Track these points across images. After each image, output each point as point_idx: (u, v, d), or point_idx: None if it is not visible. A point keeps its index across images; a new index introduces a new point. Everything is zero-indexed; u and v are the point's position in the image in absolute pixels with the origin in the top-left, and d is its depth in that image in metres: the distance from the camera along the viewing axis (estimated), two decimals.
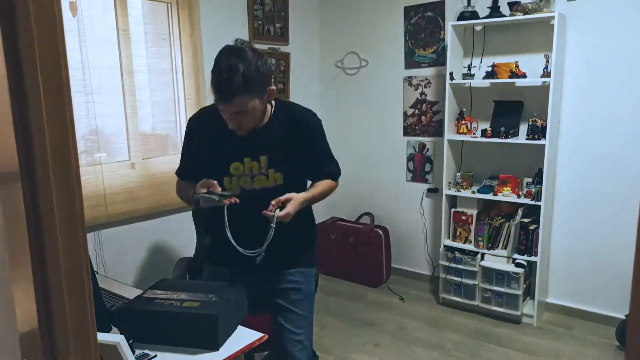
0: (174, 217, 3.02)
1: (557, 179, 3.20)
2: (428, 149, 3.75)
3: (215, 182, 1.58)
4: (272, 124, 1.70)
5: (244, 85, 1.49)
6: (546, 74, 2.97)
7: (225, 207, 1.58)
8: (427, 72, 3.65)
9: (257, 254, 1.63)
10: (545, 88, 3.02)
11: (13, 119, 0.60)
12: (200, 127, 1.76)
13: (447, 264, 3.42)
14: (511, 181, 3.23)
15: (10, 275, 0.61)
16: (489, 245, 3.30)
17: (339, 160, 1.91)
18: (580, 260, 3.19)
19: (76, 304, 0.72)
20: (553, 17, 2.86)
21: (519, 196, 3.18)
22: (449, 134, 3.38)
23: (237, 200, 1.58)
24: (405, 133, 3.83)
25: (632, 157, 2.92)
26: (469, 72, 3.33)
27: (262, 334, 1.57)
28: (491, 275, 3.24)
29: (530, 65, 3.11)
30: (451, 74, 3.28)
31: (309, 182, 1.85)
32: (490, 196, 3.26)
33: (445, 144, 3.38)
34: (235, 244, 1.63)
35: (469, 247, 3.36)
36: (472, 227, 3.36)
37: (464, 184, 3.40)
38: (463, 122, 3.35)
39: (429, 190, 3.78)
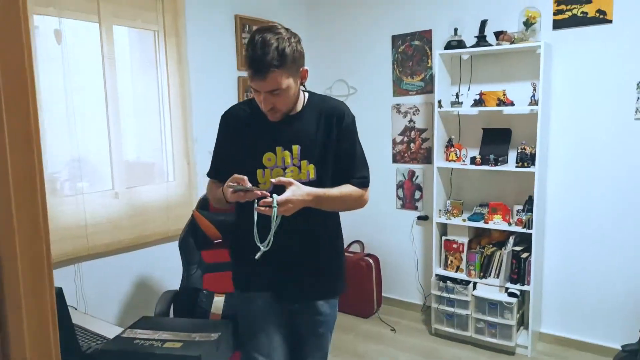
0: (158, 248, 2.93)
1: (548, 206, 3.18)
2: (417, 176, 3.73)
3: (245, 177, 1.45)
4: (305, 113, 1.61)
5: (278, 59, 1.41)
6: (534, 102, 2.98)
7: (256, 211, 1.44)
8: (416, 99, 3.66)
9: (265, 245, 1.47)
10: (533, 116, 3.03)
11: None
12: (234, 119, 1.68)
13: (439, 293, 3.35)
14: (501, 209, 3.20)
15: None
16: (481, 274, 3.25)
17: None
18: (574, 289, 3.15)
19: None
20: (539, 47, 2.88)
21: (510, 224, 3.15)
22: (439, 161, 3.36)
23: (267, 194, 1.43)
24: (395, 160, 3.81)
25: (623, 184, 2.92)
26: (457, 100, 3.33)
27: None
28: (484, 305, 3.18)
29: (518, 93, 3.13)
30: (439, 101, 3.28)
31: None
32: (481, 224, 3.23)
33: (435, 171, 3.35)
34: (258, 242, 1.47)
35: (461, 275, 3.30)
36: (464, 256, 3.31)
37: (454, 211, 3.37)
38: (452, 149, 3.34)
39: (419, 217, 3.74)
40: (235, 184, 1.43)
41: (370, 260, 3.77)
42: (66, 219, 2.50)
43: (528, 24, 2.97)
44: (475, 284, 3.25)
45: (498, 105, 3.13)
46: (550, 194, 3.17)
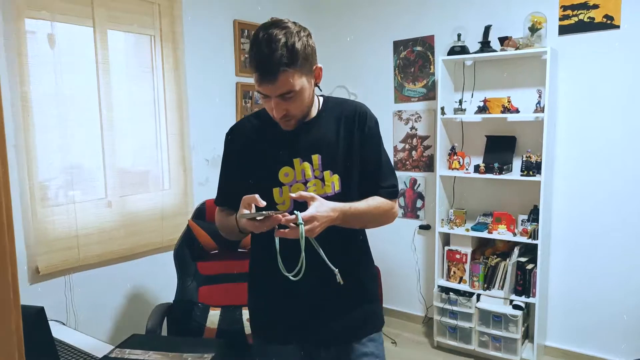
0: (152, 259, 2.84)
1: (553, 216, 3.10)
2: (419, 184, 3.65)
3: (256, 195, 1.24)
4: (322, 117, 1.41)
5: (288, 57, 1.22)
6: (539, 109, 2.91)
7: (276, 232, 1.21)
8: (418, 106, 3.59)
9: (294, 274, 1.24)
10: (538, 123, 2.96)
11: None
12: (240, 135, 1.47)
13: (441, 305, 3.26)
14: (506, 218, 3.12)
15: None
16: (485, 285, 3.16)
17: None
18: (580, 302, 3.06)
19: None
20: (545, 52, 2.81)
21: (514, 234, 3.06)
22: (441, 169, 3.28)
23: (289, 216, 1.20)
24: (396, 168, 3.73)
25: (631, 194, 2.84)
26: (460, 106, 3.26)
27: None
28: (488, 317, 3.09)
29: (523, 100, 3.06)
30: (442, 108, 3.20)
31: None
32: (485, 234, 3.15)
33: (438, 179, 3.27)
34: (285, 271, 1.24)
35: (464, 287, 3.21)
36: (467, 266, 3.23)
37: (457, 220, 3.28)
38: (455, 157, 3.26)
39: (420, 227, 3.65)
40: (248, 212, 1.21)
41: None
42: (56, 229, 2.41)
43: (534, 29, 2.90)
44: (478, 295, 3.17)
45: (502, 112, 3.06)
46: (556, 203, 3.08)
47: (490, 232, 3.13)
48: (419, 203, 3.66)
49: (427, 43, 3.47)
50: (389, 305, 3.81)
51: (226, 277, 2.55)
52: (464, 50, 3.15)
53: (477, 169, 3.14)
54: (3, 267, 0.56)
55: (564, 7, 2.90)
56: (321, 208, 1.22)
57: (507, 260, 3.09)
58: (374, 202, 1.37)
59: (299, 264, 1.21)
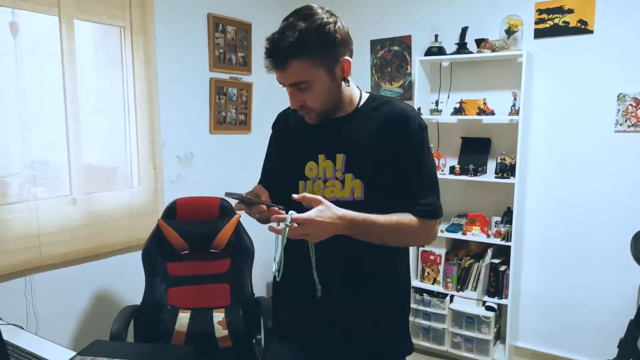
0: (119, 259, 2.73)
1: (526, 218, 3.12)
2: None
3: (266, 192, 1.24)
4: (358, 116, 1.29)
5: (300, 45, 1.14)
6: (514, 111, 2.93)
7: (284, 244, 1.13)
8: None
9: (275, 273, 1.17)
10: (513, 126, 2.97)
11: None
12: (279, 124, 1.45)
13: (415, 306, 3.25)
14: (480, 220, 3.14)
15: None
16: (458, 286, 3.17)
17: None
18: (551, 303, 3.09)
19: None
20: (521, 55, 2.83)
21: (488, 236, 3.08)
22: None
23: (276, 207, 1.17)
24: None
25: (602, 197, 2.88)
26: (436, 107, 3.25)
27: None
28: (461, 318, 3.09)
29: (498, 102, 3.07)
30: (419, 109, 3.19)
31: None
32: (459, 235, 3.15)
33: None
34: (275, 270, 1.17)
35: (438, 288, 3.21)
36: (441, 268, 3.23)
37: None
38: None
39: None
40: (232, 192, 1.16)
41: None
42: (16, 227, 2.29)
43: (510, 32, 2.91)
44: (452, 297, 3.17)
45: (478, 114, 3.06)
46: (529, 205, 3.11)
47: (464, 234, 3.13)
48: None
49: (404, 43, 3.45)
50: None
51: (197, 279, 2.47)
52: (440, 51, 3.15)
53: (452, 170, 3.14)
54: None
55: (540, 11, 2.93)
56: (324, 213, 1.11)
57: (481, 261, 3.10)
58: (399, 217, 1.21)
59: (276, 264, 1.14)
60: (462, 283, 3.16)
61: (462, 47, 3.09)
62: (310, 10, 1.19)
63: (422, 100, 3.24)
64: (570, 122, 2.94)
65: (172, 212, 2.51)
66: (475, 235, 3.10)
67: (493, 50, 2.96)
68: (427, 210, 1.23)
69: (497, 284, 3.04)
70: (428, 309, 3.20)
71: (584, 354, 2.98)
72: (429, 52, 3.18)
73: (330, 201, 1.17)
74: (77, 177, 2.57)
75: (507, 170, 2.97)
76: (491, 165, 3.13)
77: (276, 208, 1.16)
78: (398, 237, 1.23)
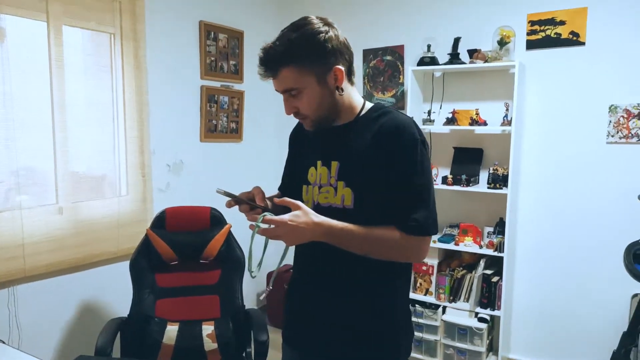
0: (106, 269, 2.67)
1: (519, 229, 3.11)
2: None
3: (262, 191, 1.27)
4: (358, 124, 1.29)
5: (289, 53, 1.18)
6: (506, 122, 2.92)
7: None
8: None
9: (250, 270, 1.25)
10: (505, 136, 2.97)
11: None
12: (294, 131, 1.54)
13: None
14: (472, 230, 3.12)
15: None
16: (451, 297, 3.14)
17: None
18: (544, 314, 3.08)
19: None
20: (513, 66, 2.83)
21: (480, 246, 3.06)
22: None
23: (257, 209, 1.20)
24: None
25: (595, 208, 2.88)
26: (428, 117, 3.25)
27: None
28: (453, 330, 3.06)
29: (490, 112, 3.07)
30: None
31: None
32: (451, 246, 3.13)
33: None
34: (251, 268, 1.25)
35: (430, 299, 3.18)
36: (433, 278, 3.20)
37: None
38: None
39: None
40: (226, 191, 1.17)
41: None
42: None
43: (502, 43, 2.92)
44: (444, 308, 3.14)
45: (470, 124, 3.06)
46: (522, 216, 3.10)
47: (457, 244, 3.11)
48: None
49: (397, 53, 3.45)
50: None
51: (186, 290, 2.42)
52: (433, 61, 3.15)
53: (444, 180, 3.13)
54: None
55: (532, 22, 2.94)
56: (299, 218, 1.13)
57: (473, 272, 3.08)
58: (382, 231, 1.20)
59: (248, 262, 1.25)
60: (454, 294, 3.13)
61: (454, 57, 3.09)
62: (305, 21, 1.24)
63: (414, 110, 3.23)
64: (563, 133, 2.94)
65: (161, 222, 2.47)
66: (467, 245, 3.08)
67: (485, 61, 2.96)
68: (412, 227, 1.19)
69: (489, 295, 3.02)
70: (420, 321, 3.16)
71: None
72: (422, 62, 3.18)
73: (324, 207, 1.26)
74: (64, 185, 2.52)
75: (499, 180, 2.96)
76: (483, 176, 3.13)
77: (260, 209, 1.19)
78: (378, 250, 1.21)
